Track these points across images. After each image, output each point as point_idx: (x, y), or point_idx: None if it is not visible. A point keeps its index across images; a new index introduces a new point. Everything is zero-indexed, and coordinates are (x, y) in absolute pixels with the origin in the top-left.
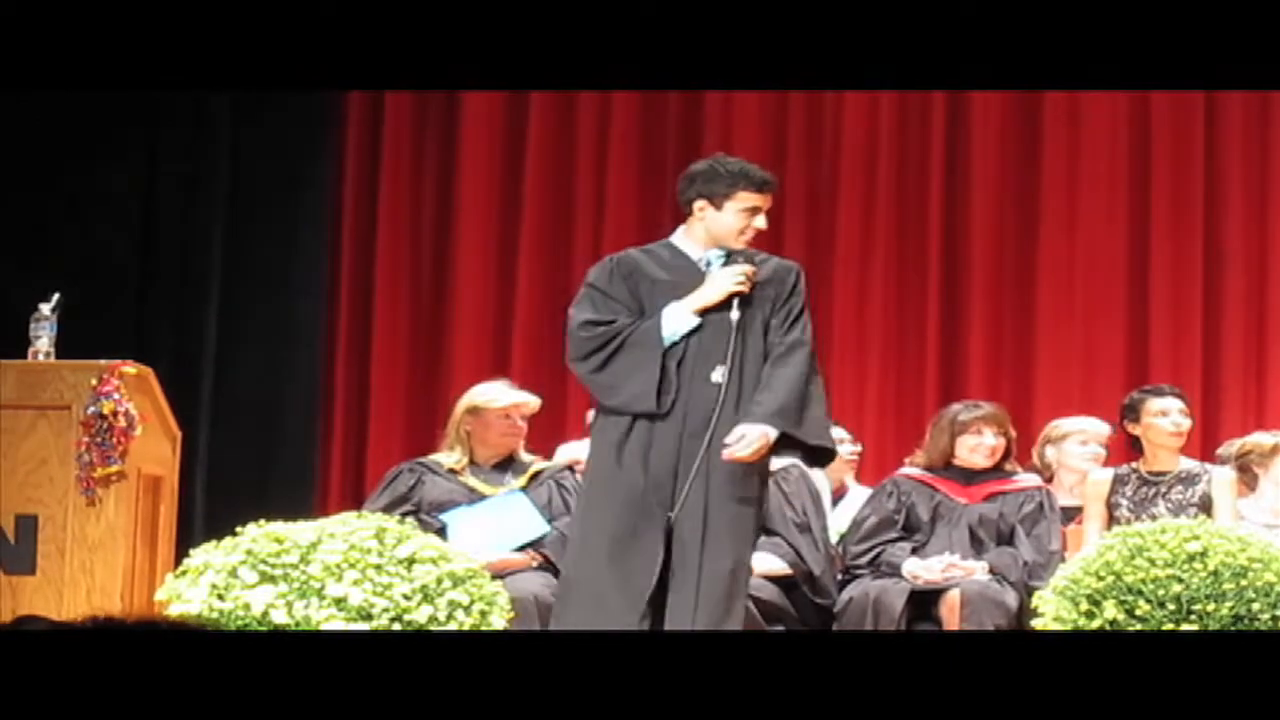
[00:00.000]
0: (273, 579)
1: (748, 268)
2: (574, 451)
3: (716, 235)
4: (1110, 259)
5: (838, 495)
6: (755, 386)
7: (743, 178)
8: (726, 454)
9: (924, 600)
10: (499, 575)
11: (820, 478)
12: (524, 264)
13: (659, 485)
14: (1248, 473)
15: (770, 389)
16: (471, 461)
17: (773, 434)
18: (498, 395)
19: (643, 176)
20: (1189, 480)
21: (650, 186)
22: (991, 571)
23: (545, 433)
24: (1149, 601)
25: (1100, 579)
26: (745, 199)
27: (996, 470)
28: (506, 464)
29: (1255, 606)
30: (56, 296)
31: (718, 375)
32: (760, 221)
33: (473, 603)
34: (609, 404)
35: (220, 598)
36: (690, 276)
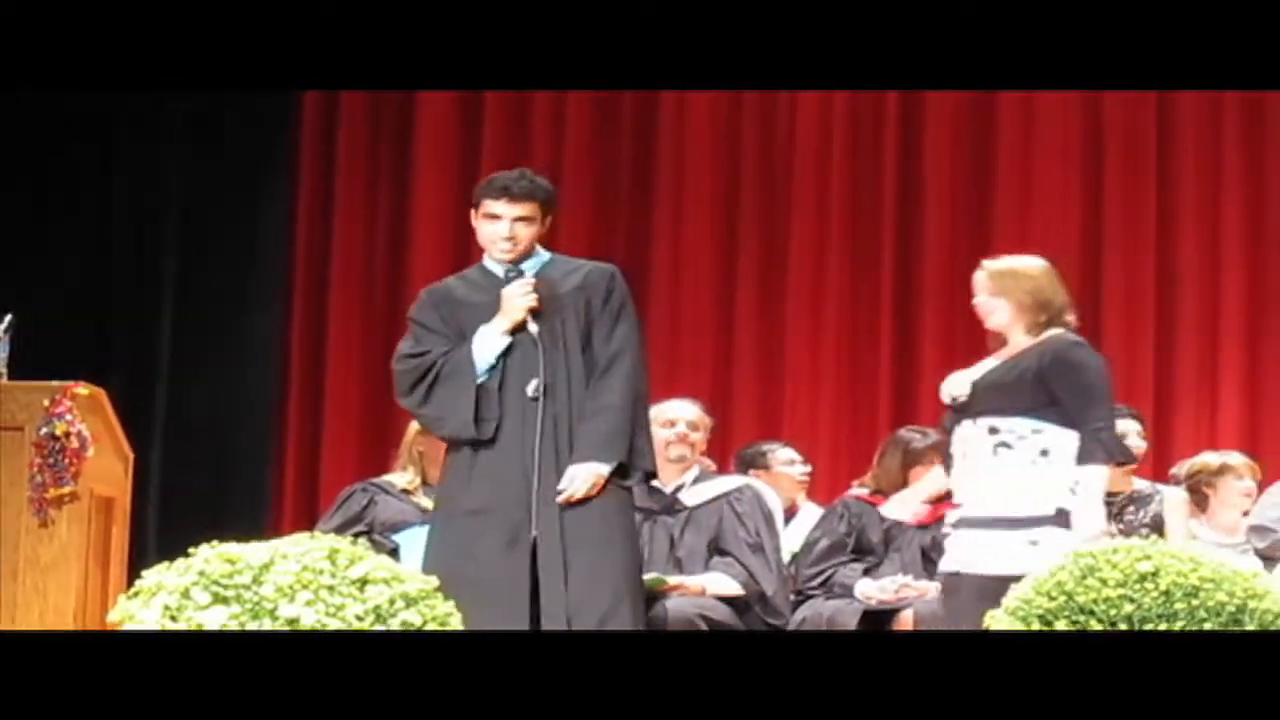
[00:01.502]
0: (225, 600)
1: (529, 279)
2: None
3: (484, 248)
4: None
5: (789, 515)
6: (582, 396)
7: (484, 184)
8: (561, 498)
9: (877, 621)
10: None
11: (772, 497)
12: None
13: (514, 507)
14: (1199, 493)
15: (596, 417)
16: (424, 482)
17: (605, 470)
18: None
19: (597, 181)
20: (1141, 501)
21: (604, 190)
22: (944, 592)
23: None
24: (1101, 621)
25: (1052, 599)
26: (486, 206)
27: (949, 493)
28: None
29: (1207, 626)
30: (9, 318)
31: (531, 389)
32: (503, 229)
33: (426, 623)
34: (440, 435)
35: (173, 619)
36: (496, 295)
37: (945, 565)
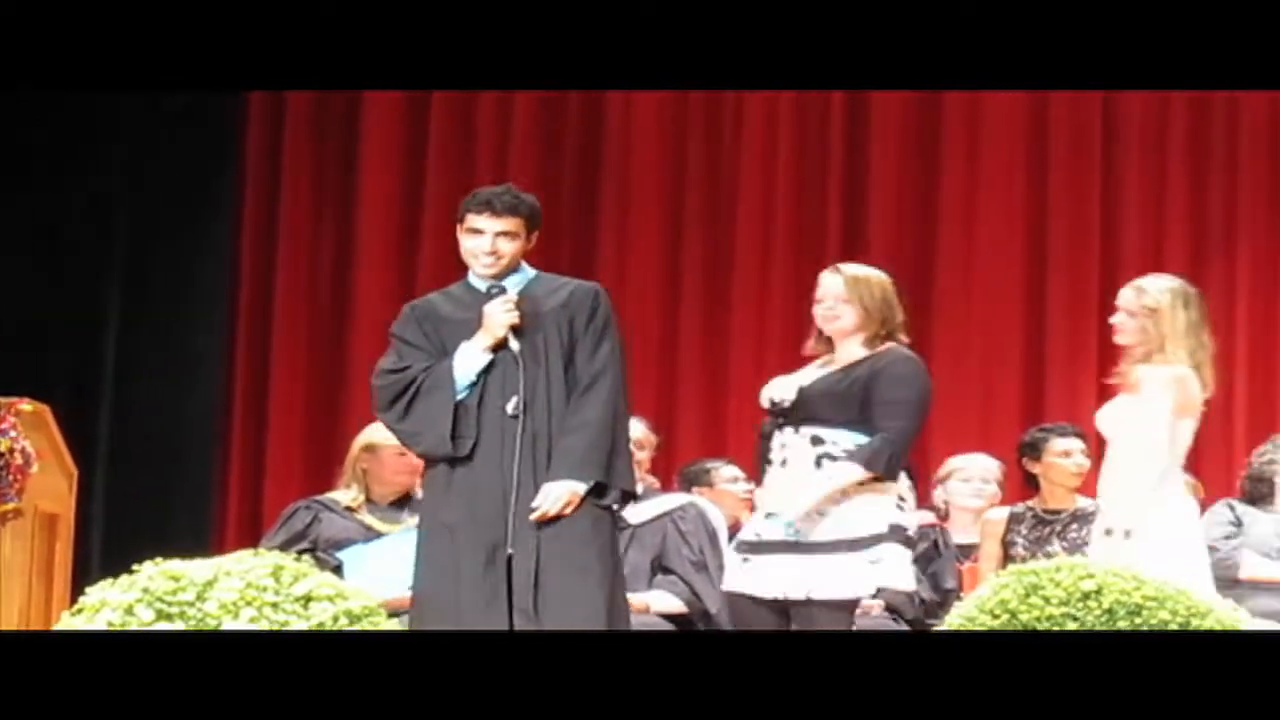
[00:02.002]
0: (169, 616)
1: (511, 296)
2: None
3: (467, 263)
4: (1006, 296)
5: (733, 532)
6: (562, 414)
7: (468, 199)
8: (534, 515)
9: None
10: (396, 614)
11: (716, 515)
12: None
13: (491, 525)
14: None
15: (574, 434)
16: (368, 499)
17: (581, 488)
18: None
19: (543, 183)
20: (1085, 518)
21: (550, 193)
22: (887, 609)
23: None
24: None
25: (995, 617)
26: (469, 221)
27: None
28: (403, 502)
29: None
30: None
31: (510, 407)
32: (484, 244)
33: None
34: (417, 451)
35: None
36: (479, 311)
37: (789, 591)
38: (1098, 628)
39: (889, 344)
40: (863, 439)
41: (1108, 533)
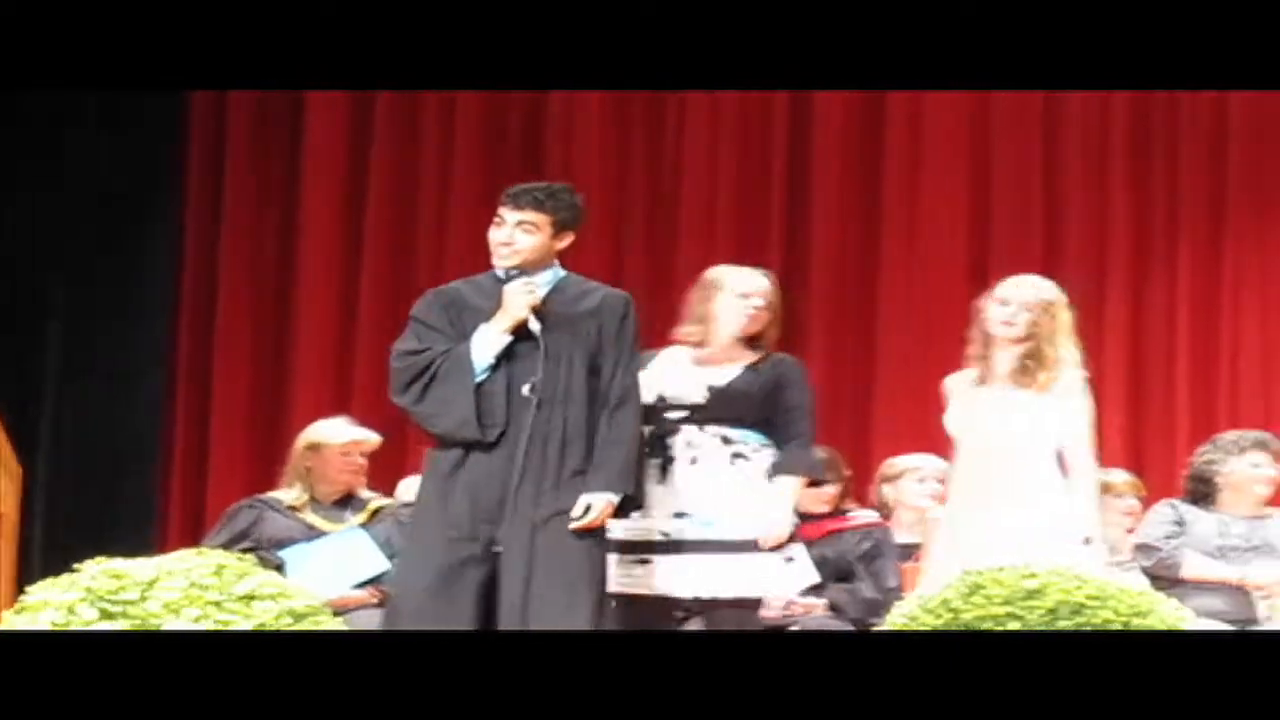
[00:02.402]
0: (112, 615)
1: (531, 280)
2: (415, 488)
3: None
4: (948, 296)
5: None
6: (581, 415)
7: (506, 192)
8: (576, 525)
9: None
10: (339, 612)
11: None
12: (365, 296)
13: (490, 513)
14: None
15: (615, 447)
16: (311, 498)
17: (616, 499)
18: (337, 432)
19: (486, 184)
20: None
21: (494, 194)
22: (830, 609)
23: (386, 469)
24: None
25: (938, 616)
26: (499, 210)
27: (834, 509)
28: (346, 501)
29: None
30: None
31: (526, 389)
32: (503, 234)
33: None
34: (435, 433)
35: None
36: (499, 299)
37: (718, 590)
38: (1040, 627)
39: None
40: (763, 439)
41: (1088, 541)
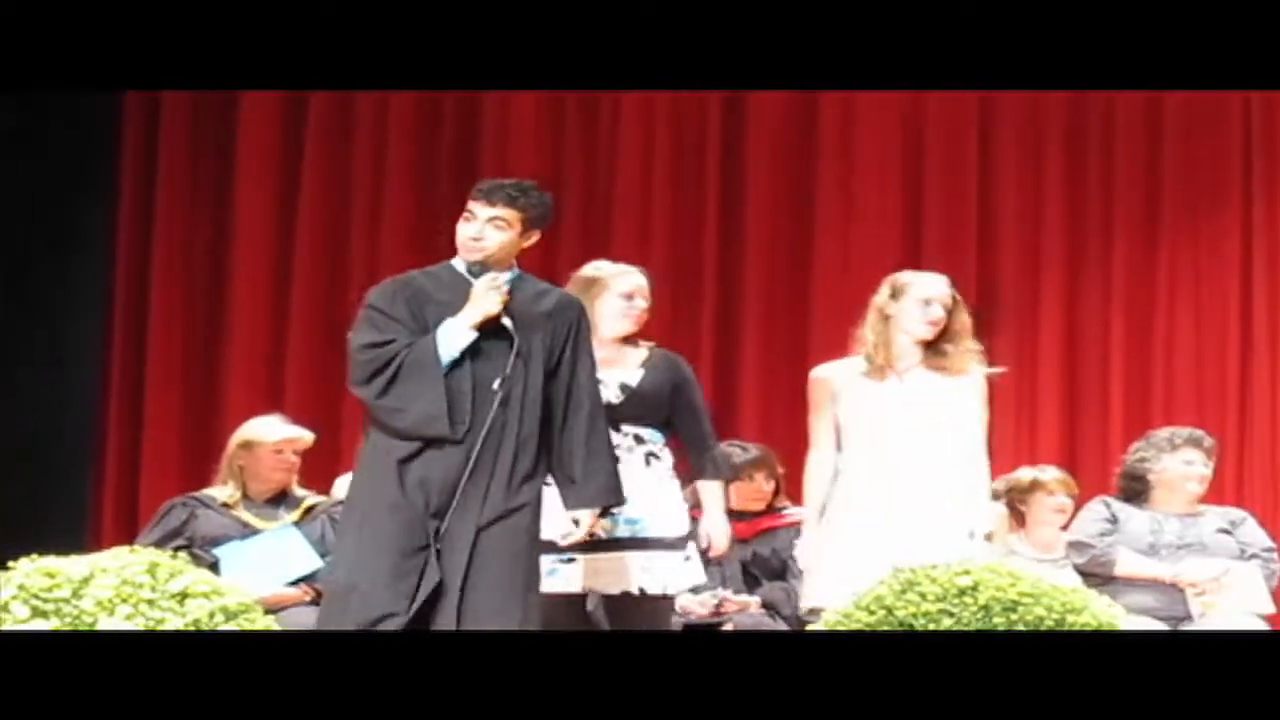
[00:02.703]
0: (45, 614)
1: (501, 276)
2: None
3: (458, 247)
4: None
5: None
6: (537, 418)
7: (475, 187)
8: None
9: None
10: (272, 610)
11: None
12: (298, 294)
13: (438, 511)
14: (1015, 510)
15: (601, 455)
16: (245, 496)
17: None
18: (270, 430)
19: (419, 185)
20: None
21: (427, 194)
22: (764, 606)
23: (319, 468)
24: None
25: (871, 613)
26: (468, 205)
27: (768, 507)
28: (280, 499)
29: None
30: None
31: (496, 384)
32: (473, 229)
33: None
34: (399, 428)
35: None
36: (463, 293)
37: (647, 586)
38: (974, 624)
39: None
40: (664, 438)
41: (973, 535)
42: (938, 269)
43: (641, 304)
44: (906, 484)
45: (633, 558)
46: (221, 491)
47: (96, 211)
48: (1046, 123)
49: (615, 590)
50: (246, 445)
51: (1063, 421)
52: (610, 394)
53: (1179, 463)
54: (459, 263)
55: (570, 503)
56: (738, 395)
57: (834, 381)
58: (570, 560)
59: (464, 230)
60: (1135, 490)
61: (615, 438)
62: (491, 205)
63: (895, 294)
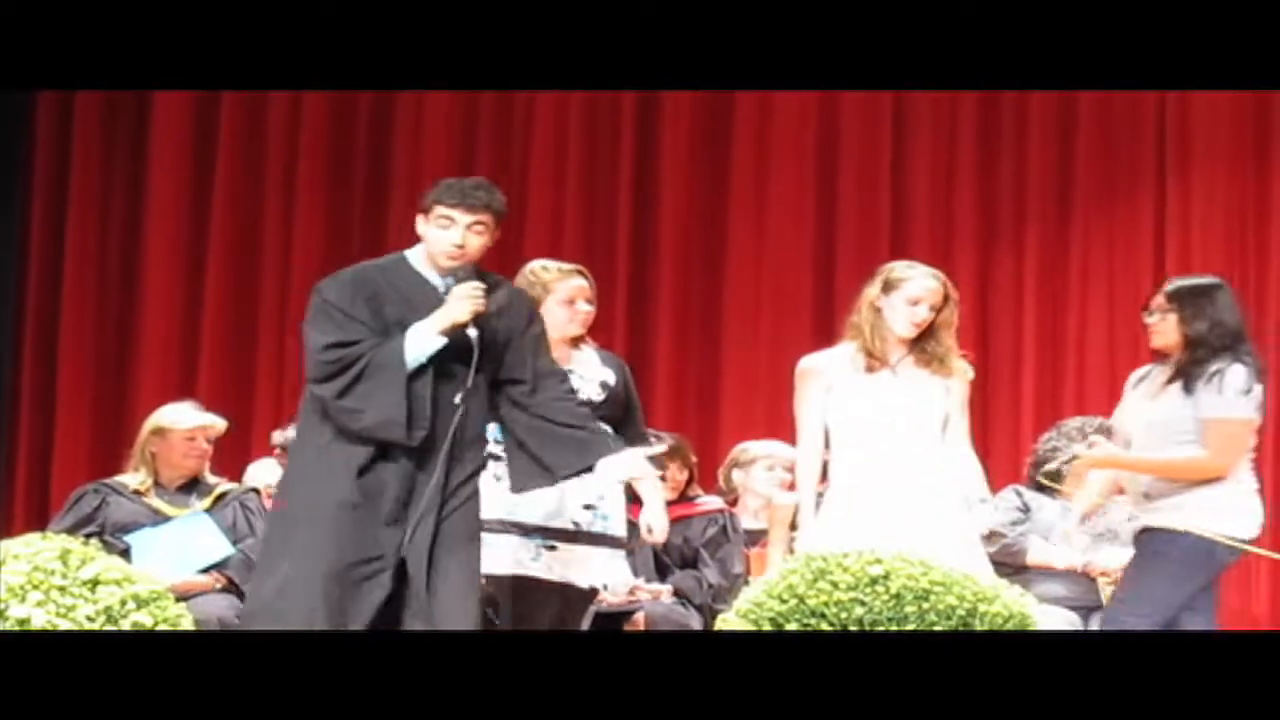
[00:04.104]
0: None
1: (479, 283)
2: (260, 473)
3: (429, 251)
4: (796, 290)
5: None
6: (484, 415)
7: (441, 189)
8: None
9: (610, 622)
10: (183, 597)
11: None
12: (211, 285)
13: (393, 518)
14: None
15: (587, 421)
16: (156, 483)
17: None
18: (183, 417)
19: (331, 183)
20: None
21: (339, 192)
22: (676, 594)
23: (231, 455)
24: (832, 624)
25: (783, 601)
26: (439, 210)
27: (680, 496)
28: (191, 486)
29: (938, 629)
30: None
31: (458, 398)
32: (455, 235)
33: (157, 624)
34: (355, 429)
35: None
36: (426, 296)
37: (611, 582)
38: (885, 613)
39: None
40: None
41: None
42: (850, 265)
43: (585, 307)
44: (901, 475)
45: (599, 553)
46: (133, 478)
47: (8, 206)
48: (961, 117)
49: (583, 584)
50: (159, 432)
51: (974, 410)
52: (591, 392)
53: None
54: (415, 260)
55: (567, 470)
56: (651, 387)
57: (826, 374)
58: (552, 548)
59: (443, 237)
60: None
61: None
62: (471, 211)
63: (886, 288)
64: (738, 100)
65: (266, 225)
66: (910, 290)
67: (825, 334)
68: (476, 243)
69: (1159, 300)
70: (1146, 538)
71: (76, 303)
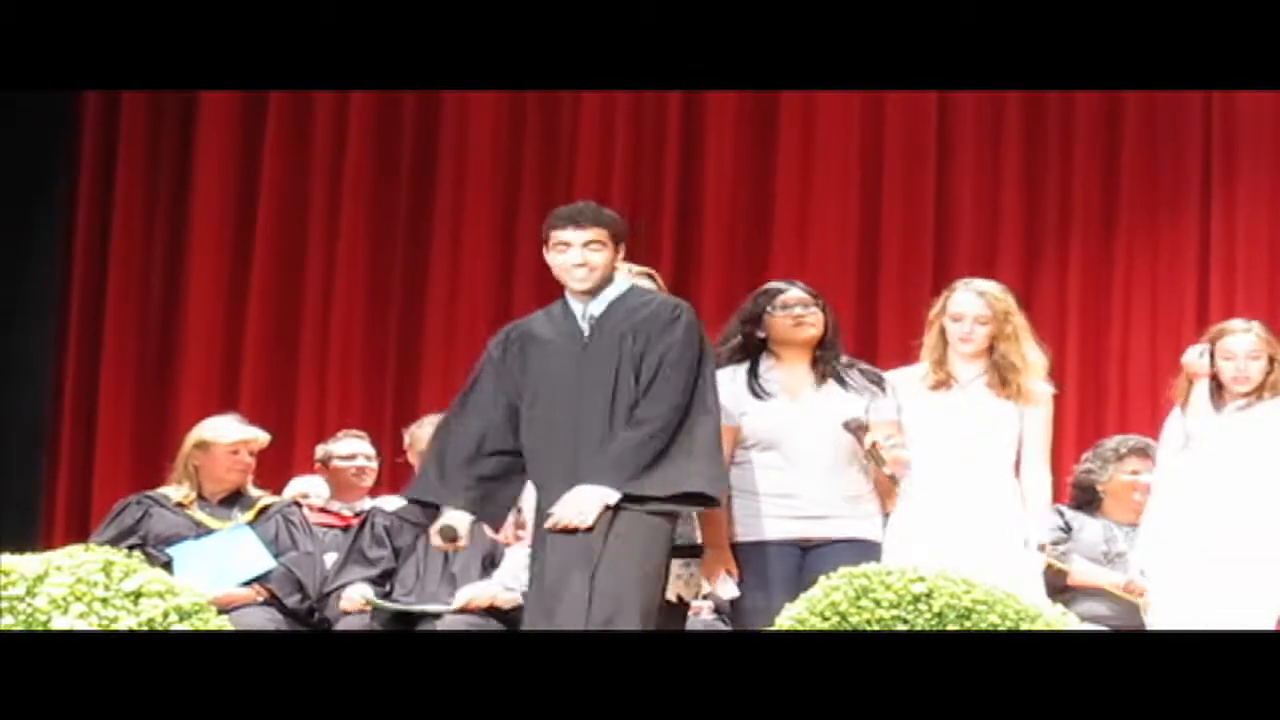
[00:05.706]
0: None
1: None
2: (302, 486)
3: (561, 280)
4: (840, 295)
5: None
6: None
7: (553, 218)
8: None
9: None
10: (225, 610)
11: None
12: (255, 299)
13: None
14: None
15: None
16: (199, 496)
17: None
18: (226, 430)
19: (377, 181)
20: None
21: (385, 192)
22: (715, 611)
23: (273, 468)
24: None
25: (826, 619)
26: (555, 237)
27: None
28: (234, 499)
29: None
30: None
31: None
32: (574, 256)
33: None
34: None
35: None
36: (570, 335)
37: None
38: (928, 631)
39: None
40: None
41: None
42: (893, 270)
43: None
44: (963, 495)
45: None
46: (176, 491)
47: (54, 211)
48: (1005, 123)
49: (670, 596)
50: (202, 445)
51: None
52: None
53: (1125, 473)
54: (571, 297)
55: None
56: None
57: (900, 389)
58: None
59: (564, 259)
60: (1086, 500)
61: None
62: (582, 229)
63: (942, 308)
64: (782, 103)
65: (310, 230)
66: (951, 307)
67: (868, 340)
68: (599, 258)
69: None
70: None
71: (120, 310)
